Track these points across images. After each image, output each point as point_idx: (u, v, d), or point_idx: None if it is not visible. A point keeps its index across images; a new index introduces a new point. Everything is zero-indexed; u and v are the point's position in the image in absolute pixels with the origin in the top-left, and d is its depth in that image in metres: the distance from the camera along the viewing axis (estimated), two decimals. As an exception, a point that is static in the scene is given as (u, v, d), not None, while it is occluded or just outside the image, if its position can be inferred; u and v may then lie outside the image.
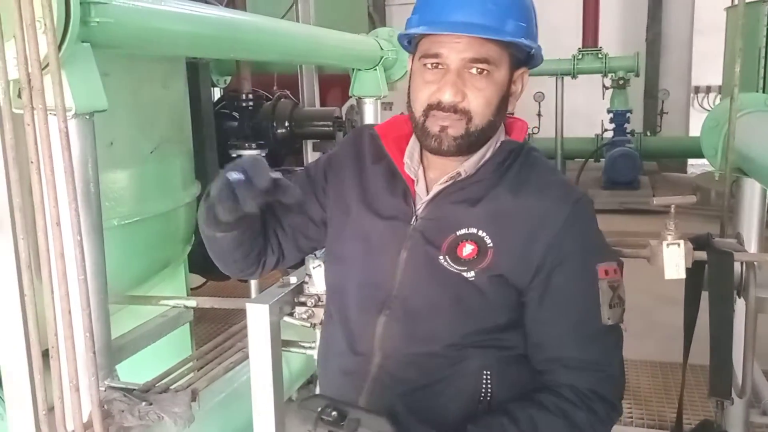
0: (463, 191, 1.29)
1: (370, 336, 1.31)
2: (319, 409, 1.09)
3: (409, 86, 1.29)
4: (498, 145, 1.32)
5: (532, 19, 1.27)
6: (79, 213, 1.27)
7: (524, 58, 1.29)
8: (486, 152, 1.30)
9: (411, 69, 1.30)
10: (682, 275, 1.78)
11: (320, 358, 1.51)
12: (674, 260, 1.70)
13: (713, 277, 1.86)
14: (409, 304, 1.29)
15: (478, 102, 1.22)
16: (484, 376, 1.27)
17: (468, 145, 1.25)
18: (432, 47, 1.22)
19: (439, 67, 1.22)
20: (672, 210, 1.75)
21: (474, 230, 1.26)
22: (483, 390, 1.27)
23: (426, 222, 1.30)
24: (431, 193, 1.31)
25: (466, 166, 1.29)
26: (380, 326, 1.30)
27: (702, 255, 1.85)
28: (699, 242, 1.87)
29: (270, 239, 1.49)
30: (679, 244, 1.73)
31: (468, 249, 1.25)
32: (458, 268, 1.25)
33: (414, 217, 1.31)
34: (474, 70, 1.21)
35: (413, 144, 1.36)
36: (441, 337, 1.27)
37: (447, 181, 1.30)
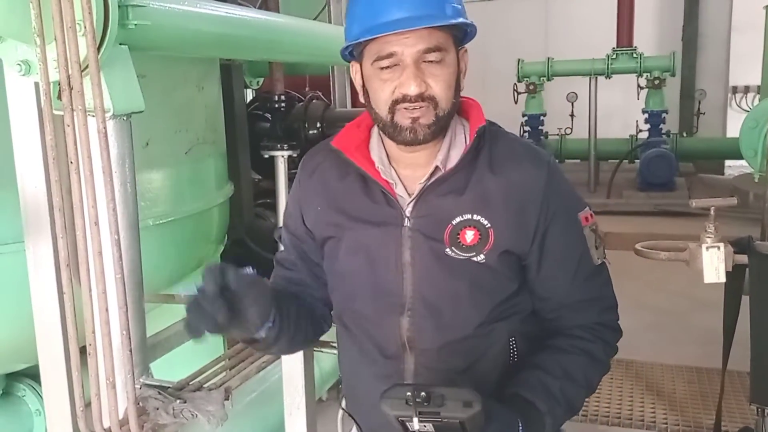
0: (446, 183, 1.33)
1: (398, 338, 1.35)
2: (408, 394, 1.10)
3: (365, 91, 1.32)
4: (461, 128, 1.38)
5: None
6: (117, 213, 1.28)
7: (462, 36, 1.33)
8: (451, 138, 1.35)
9: (362, 75, 1.32)
10: (722, 279, 1.74)
11: (345, 370, 1.51)
12: (714, 263, 1.66)
13: (755, 282, 1.81)
14: (429, 300, 1.33)
15: (440, 87, 1.27)
16: (511, 342, 1.37)
17: (439, 129, 1.30)
18: (383, 48, 1.25)
19: (394, 65, 1.26)
20: (712, 212, 1.71)
21: (469, 216, 1.31)
22: (511, 354, 1.37)
23: (419, 220, 1.33)
24: (416, 192, 1.33)
25: (441, 158, 1.33)
26: (404, 328, 1.34)
27: (743, 258, 1.81)
28: (740, 245, 1.82)
29: (315, 301, 1.49)
30: (719, 247, 1.69)
31: (470, 235, 1.31)
32: (466, 255, 1.31)
33: (405, 218, 1.33)
34: (429, 60, 1.25)
35: (378, 148, 1.37)
36: (470, 321, 1.34)
37: (430, 177, 1.33)
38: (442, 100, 1.27)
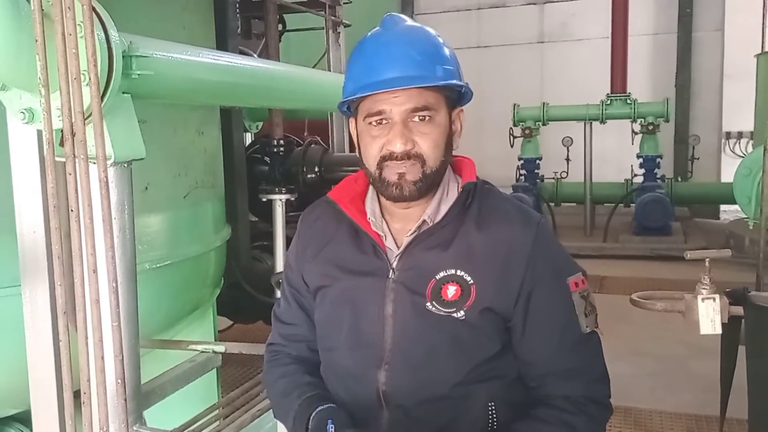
0: (432, 237, 1.33)
1: (375, 391, 1.33)
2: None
3: (358, 146, 1.36)
4: (455, 185, 1.38)
5: (456, 62, 1.36)
6: (115, 260, 1.29)
7: (456, 97, 1.36)
8: (442, 194, 1.36)
9: (356, 130, 1.37)
10: (718, 330, 1.74)
11: None
12: (710, 315, 1.66)
13: (751, 333, 1.81)
14: (407, 355, 1.32)
15: (428, 145, 1.29)
16: (490, 407, 1.32)
17: (427, 187, 1.31)
18: (374, 106, 1.29)
19: (384, 122, 1.29)
20: (707, 263, 1.72)
21: (453, 271, 1.30)
22: (490, 420, 1.32)
23: (404, 273, 1.33)
24: (403, 245, 1.34)
25: (429, 212, 1.34)
26: (382, 382, 1.33)
27: (738, 310, 1.81)
28: (735, 296, 1.83)
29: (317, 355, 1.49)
30: (714, 299, 1.70)
31: (452, 290, 1.30)
32: (446, 310, 1.30)
33: (391, 271, 1.34)
34: (417, 118, 1.28)
35: (371, 201, 1.40)
36: (446, 380, 1.31)
37: (415, 231, 1.34)
38: (430, 158, 1.29)
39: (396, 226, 1.37)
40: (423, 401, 1.31)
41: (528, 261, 1.30)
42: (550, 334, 1.32)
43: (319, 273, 1.41)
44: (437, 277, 1.30)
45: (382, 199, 1.37)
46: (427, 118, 1.29)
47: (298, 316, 1.47)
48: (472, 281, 1.29)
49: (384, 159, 1.29)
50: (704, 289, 1.71)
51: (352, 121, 1.39)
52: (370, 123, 1.30)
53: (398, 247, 1.35)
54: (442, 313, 1.29)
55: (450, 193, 1.37)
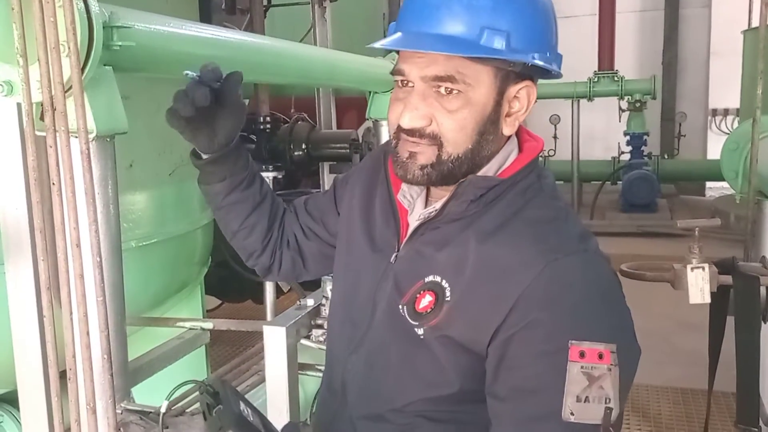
0: (437, 231, 1.11)
1: (340, 376, 1.21)
2: (202, 392, 1.07)
3: None
4: (474, 177, 1.10)
5: (530, 24, 1.04)
6: (99, 234, 1.27)
7: (527, 72, 1.07)
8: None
9: None
10: (707, 300, 1.74)
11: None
12: (699, 284, 1.66)
13: (740, 302, 1.82)
14: (369, 353, 1.16)
15: (449, 126, 1.03)
16: None
17: (440, 176, 1.07)
18: (399, 62, 1.07)
19: (409, 84, 1.06)
20: (696, 233, 1.73)
21: (438, 279, 1.07)
22: None
23: (401, 262, 1.15)
24: (409, 230, 1.15)
25: (447, 198, 1.12)
26: (347, 369, 1.20)
27: (727, 279, 1.82)
28: (724, 266, 1.84)
29: (285, 231, 1.44)
30: (703, 268, 1.70)
31: (426, 301, 1.07)
32: (411, 321, 1.08)
33: (395, 255, 1.16)
34: (443, 90, 1.03)
35: None
36: (386, 400, 1.12)
37: (424, 218, 1.13)
38: (449, 143, 1.05)
39: (431, 201, 1.18)
40: (367, 413, 1.15)
41: (520, 297, 0.99)
42: (518, 400, 1.00)
43: (349, 218, 1.29)
44: (426, 279, 1.09)
45: None
46: (454, 91, 1.03)
47: (301, 203, 1.43)
48: (449, 298, 1.05)
49: (400, 130, 1.08)
50: (694, 258, 1.71)
51: None
52: (396, 81, 1.09)
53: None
54: (408, 322, 1.09)
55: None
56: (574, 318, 0.99)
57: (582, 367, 0.96)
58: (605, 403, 0.97)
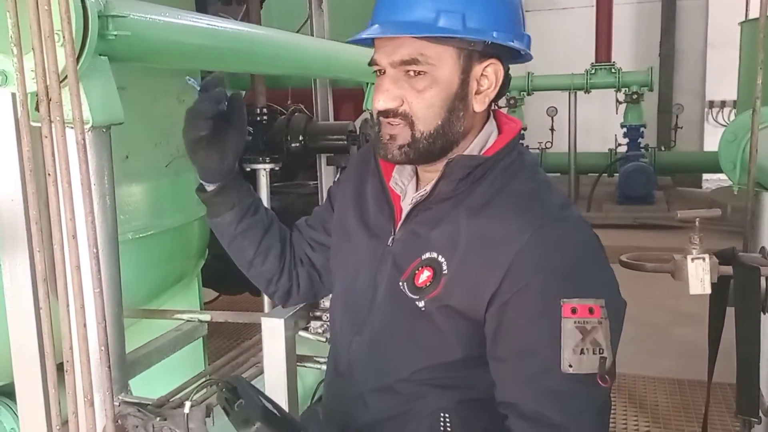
0: (429, 211, 1.20)
1: (347, 358, 1.28)
2: (223, 389, 1.12)
3: None
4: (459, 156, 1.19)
5: (486, 5, 1.12)
6: (96, 226, 1.26)
7: (494, 50, 1.15)
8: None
9: None
10: (708, 290, 1.74)
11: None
12: (699, 275, 1.66)
13: (740, 293, 1.82)
14: (374, 331, 1.24)
15: (418, 105, 1.13)
16: (442, 419, 1.18)
17: (417, 153, 1.16)
18: (374, 53, 1.18)
19: (382, 71, 1.17)
20: (696, 223, 1.72)
21: (435, 255, 1.16)
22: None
23: (398, 244, 1.23)
24: (404, 213, 1.24)
25: (436, 180, 1.21)
26: (352, 350, 1.27)
27: (727, 270, 1.82)
28: (724, 257, 1.83)
29: (295, 250, 1.47)
30: (704, 259, 1.70)
31: (424, 275, 1.16)
32: (412, 296, 1.17)
33: (391, 238, 1.25)
34: (411, 72, 1.13)
35: None
36: (394, 371, 1.20)
37: (416, 200, 1.22)
38: (420, 121, 1.14)
39: (421, 186, 1.27)
40: (377, 386, 1.23)
41: (512, 264, 1.08)
42: (519, 359, 1.09)
43: (343, 213, 1.35)
44: (423, 257, 1.18)
45: None
46: (420, 72, 1.12)
47: (306, 222, 1.45)
48: (446, 271, 1.14)
49: (379, 114, 1.18)
50: (694, 248, 1.71)
51: None
52: (375, 71, 1.19)
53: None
54: (409, 297, 1.18)
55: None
56: (564, 278, 1.09)
57: (575, 323, 1.05)
58: (599, 353, 1.06)
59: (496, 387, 1.14)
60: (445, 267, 1.15)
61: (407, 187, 1.27)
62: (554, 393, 1.07)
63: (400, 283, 1.19)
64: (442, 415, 1.18)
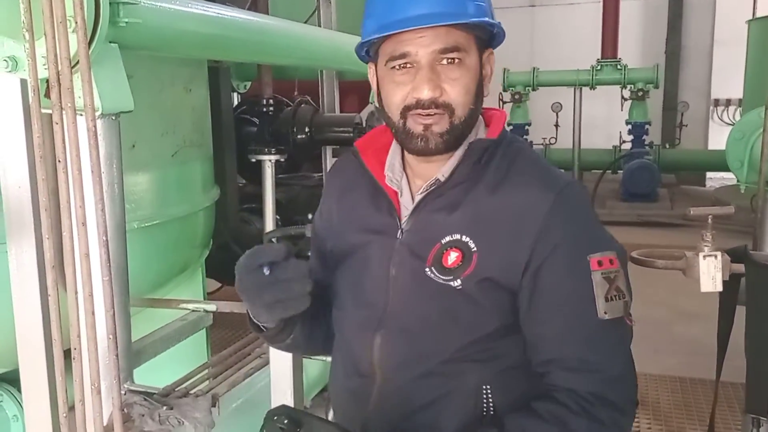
0: (442, 198, 1.23)
1: (369, 357, 1.27)
2: (275, 418, 1.11)
3: (379, 94, 1.25)
4: (475, 140, 1.26)
5: None
6: (105, 213, 1.25)
7: (487, 38, 1.24)
8: (465, 150, 1.25)
9: (377, 76, 1.26)
10: (719, 288, 1.73)
11: (330, 377, 1.46)
12: (711, 272, 1.65)
13: (751, 291, 1.80)
14: (402, 321, 1.24)
15: (457, 92, 1.18)
16: (484, 391, 1.21)
17: (454, 139, 1.21)
18: (397, 48, 1.17)
19: (408, 66, 1.18)
20: (709, 221, 1.71)
21: (458, 236, 1.20)
22: (484, 405, 1.21)
23: (410, 235, 1.25)
24: (413, 204, 1.26)
25: (445, 170, 1.23)
26: (377, 347, 1.26)
27: (739, 268, 1.80)
28: (736, 255, 1.82)
29: (327, 313, 1.42)
30: (716, 256, 1.68)
31: (453, 257, 1.19)
32: (444, 278, 1.20)
33: (399, 231, 1.26)
34: (446, 61, 1.17)
35: (393, 153, 1.32)
36: (435, 354, 1.22)
37: (427, 189, 1.24)
38: (459, 107, 1.18)
39: (418, 183, 1.28)
40: (411, 373, 1.23)
41: (540, 230, 1.15)
42: (558, 315, 1.18)
43: (334, 226, 1.36)
44: (443, 241, 1.20)
45: (405, 153, 1.28)
46: (457, 60, 1.17)
47: (315, 264, 1.40)
48: (475, 248, 1.18)
49: (408, 108, 1.18)
50: (706, 246, 1.70)
51: (371, 66, 1.28)
52: (393, 68, 1.19)
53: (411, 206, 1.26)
54: (440, 280, 1.20)
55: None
56: (587, 235, 1.19)
57: (602, 274, 1.16)
58: (623, 298, 1.18)
59: (535, 349, 1.21)
60: (473, 245, 1.19)
61: (401, 183, 1.29)
62: (593, 339, 1.18)
63: (427, 270, 1.21)
64: (484, 387, 1.22)
